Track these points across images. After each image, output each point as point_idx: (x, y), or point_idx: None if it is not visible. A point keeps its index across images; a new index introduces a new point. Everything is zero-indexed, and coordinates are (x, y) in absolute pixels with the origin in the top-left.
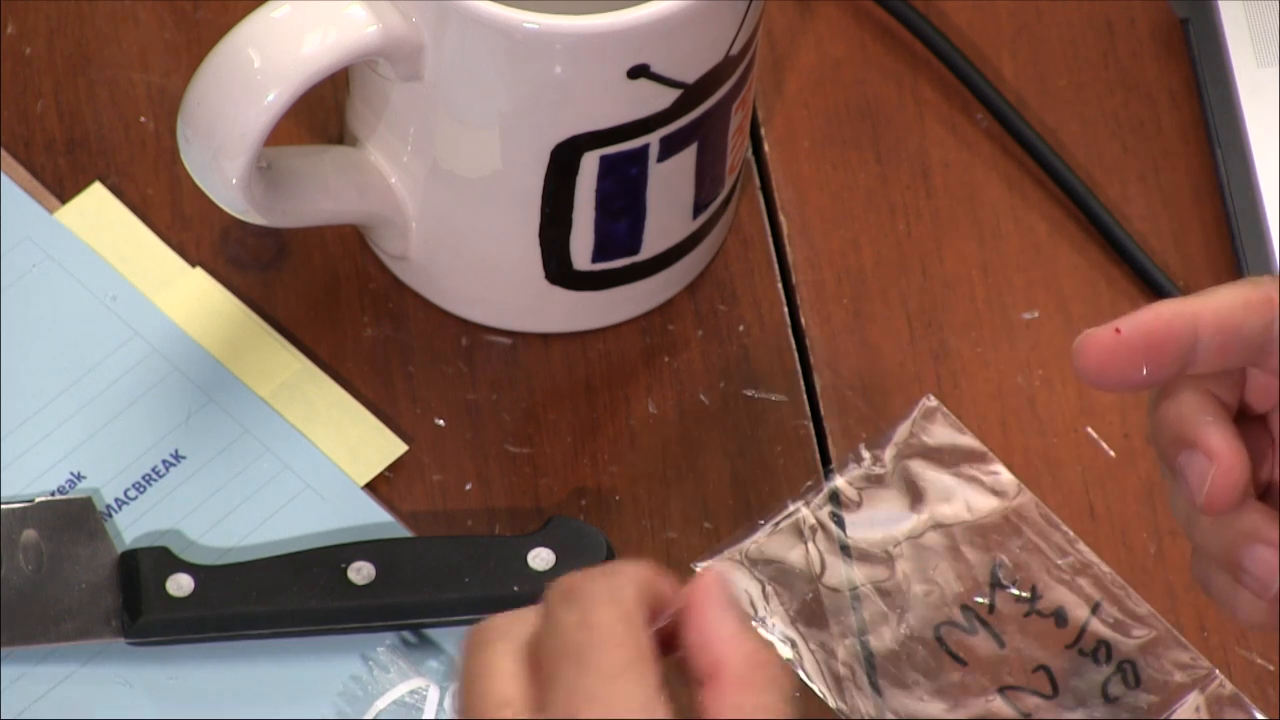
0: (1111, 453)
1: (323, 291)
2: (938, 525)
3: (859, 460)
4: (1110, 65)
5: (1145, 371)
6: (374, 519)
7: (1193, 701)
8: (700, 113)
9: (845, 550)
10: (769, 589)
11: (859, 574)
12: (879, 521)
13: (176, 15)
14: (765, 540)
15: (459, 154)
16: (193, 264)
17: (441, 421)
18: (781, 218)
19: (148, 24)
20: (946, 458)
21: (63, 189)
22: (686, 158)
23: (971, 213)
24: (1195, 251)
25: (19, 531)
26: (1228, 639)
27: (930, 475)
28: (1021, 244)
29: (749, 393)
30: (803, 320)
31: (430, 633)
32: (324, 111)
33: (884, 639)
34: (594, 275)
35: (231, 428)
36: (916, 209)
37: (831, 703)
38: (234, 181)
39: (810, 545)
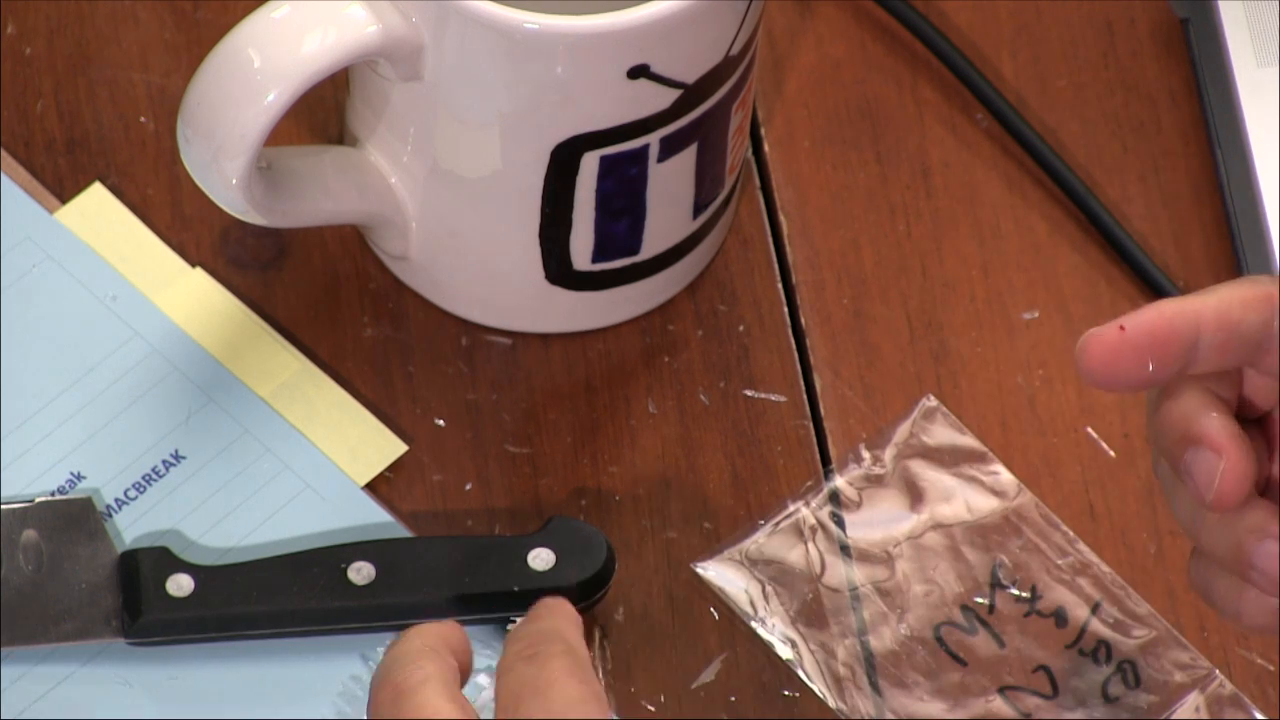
0: (1111, 453)
1: (323, 291)
2: (938, 525)
3: (859, 460)
4: (1110, 65)
5: (1150, 369)
6: (374, 519)
7: (1193, 701)
8: (700, 113)
9: (845, 550)
10: (769, 589)
11: (859, 574)
12: (879, 521)
13: (176, 15)
14: (765, 540)
15: (459, 154)
16: (193, 264)
17: (441, 421)
18: (781, 218)
19: (148, 24)
20: (946, 458)
21: (63, 189)
22: (686, 158)
23: (971, 213)
24: (1195, 251)
25: (19, 531)
26: (1228, 639)
27: (930, 475)
28: (1021, 244)
29: (749, 393)
30: (803, 320)
31: None
32: (324, 111)
33: (884, 639)
34: (594, 275)
35: (231, 428)
36: (916, 209)
37: (831, 703)
38: (234, 182)
39: (810, 545)
